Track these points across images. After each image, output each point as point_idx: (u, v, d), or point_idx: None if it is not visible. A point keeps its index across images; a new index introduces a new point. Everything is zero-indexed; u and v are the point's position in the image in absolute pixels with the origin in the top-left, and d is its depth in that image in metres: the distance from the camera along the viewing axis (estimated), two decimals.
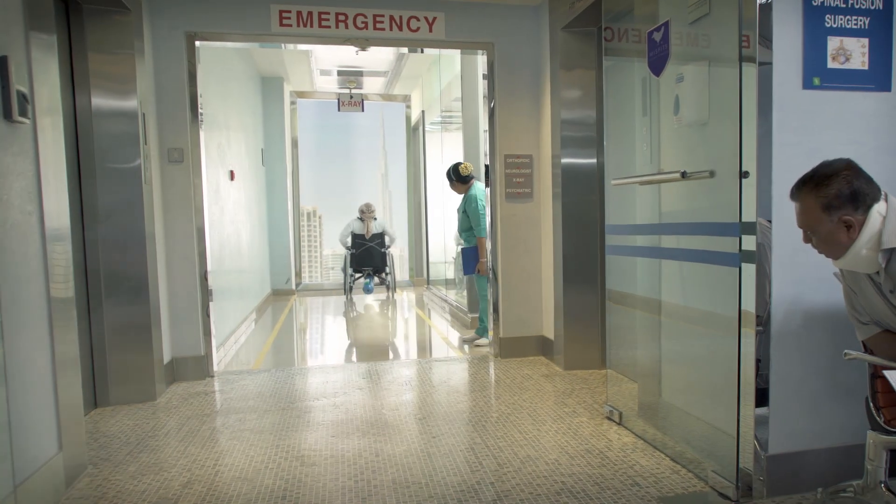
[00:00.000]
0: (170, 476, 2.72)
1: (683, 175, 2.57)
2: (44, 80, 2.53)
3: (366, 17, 4.42)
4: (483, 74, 4.88)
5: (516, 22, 4.69)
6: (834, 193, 1.86)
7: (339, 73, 9.01)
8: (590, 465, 2.75)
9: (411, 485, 2.58)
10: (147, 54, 3.99)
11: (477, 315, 5.62)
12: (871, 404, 2.03)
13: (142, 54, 3.86)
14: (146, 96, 3.91)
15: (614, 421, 3.29)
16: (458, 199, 5.66)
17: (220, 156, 5.71)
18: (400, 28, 4.49)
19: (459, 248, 5.96)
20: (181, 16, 4.20)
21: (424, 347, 5.92)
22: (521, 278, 4.86)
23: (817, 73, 2.34)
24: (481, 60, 4.88)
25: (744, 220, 2.30)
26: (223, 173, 5.77)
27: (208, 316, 4.40)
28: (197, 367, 4.34)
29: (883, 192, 1.90)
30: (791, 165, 2.22)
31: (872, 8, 2.34)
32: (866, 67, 2.36)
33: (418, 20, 4.50)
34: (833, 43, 2.33)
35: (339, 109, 9.59)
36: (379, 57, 8.01)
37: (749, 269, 2.29)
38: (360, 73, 9.03)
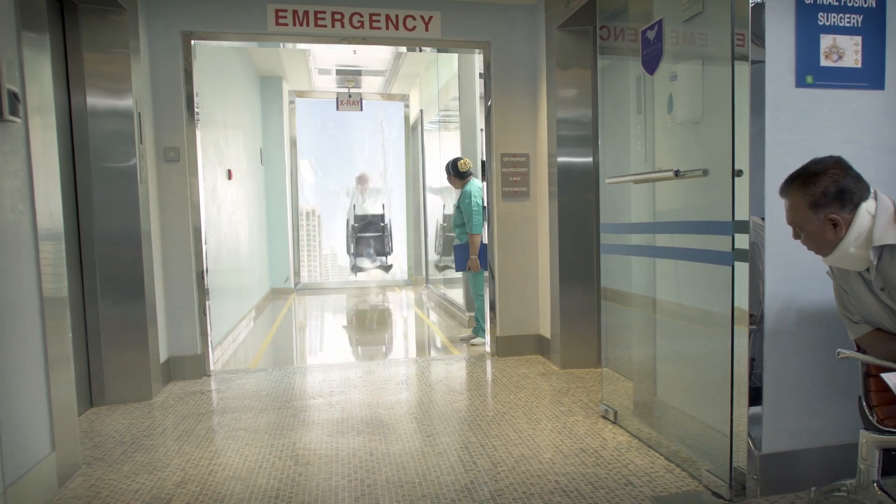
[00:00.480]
0: (164, 475, 2.72)
1: (677, 174, 2.56)
2: (36, 79, 2.52)
3: (362, 16, 4.42)
4: (480, 73, 4.88)
5: (512, 21, 4.68)
6: (820, 191, 1.86)
7: (338, 72, 9.00)
8: (584, 464, 2.75)
9: (405, 484, 2.58)
10: (143, 53, 3.99)
11: (474, 314, 5.62)
12: (864, 403, 2.02)
13: (137, 53, 3.85)
14: (142, 95, 3.91)
15: (609, 420, 3.28)
16: (456, 197, 5.66)
17: (218, 155, 5.70)
18: (396, 27, 4.48)
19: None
20: (177, 15, 4.20)
21: (422, 346, 5.92)
22: (518, 277, 4.85)
23: (810, 72, 2.33)
24: (478, 59, 4.87)
25: (737, 218, 2.30)
26: (221, 172, 5.77)
27: (205, 315, 4.40)
28: (193, 366, 4.34)
29: (872, 191, 1.89)
30: (784, 164, 2.21)
31: (865, 6, 2.33)
32: (859, 65, 2.35)
33: (414, 19, 4.50)
34: (826, 41, 2.33)
35: (337, 109, 9.58)
36: (377, 56, 8.00)
37: (742, 268, 2.29)
38: (359, 73, 9.03)
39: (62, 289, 2.71)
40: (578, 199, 4.39)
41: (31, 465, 2.40)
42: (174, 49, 4.21)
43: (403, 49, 6.53)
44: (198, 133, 4.37)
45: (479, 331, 5.41)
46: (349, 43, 4.53)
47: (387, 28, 4.47)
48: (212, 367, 4.48)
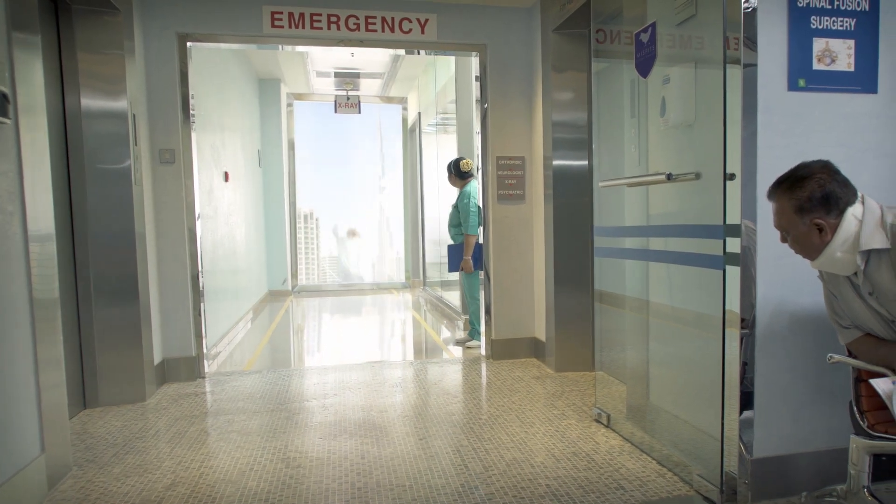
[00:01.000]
0: (154, 478, 2.71)
1: (669, 177, 2.56)
2: (26, 79, 2.52)
3: (358, 18, 4.42)
4: (476, 76, 4.87)
5: (508, 24, 4.68)
6: (806, 196, 1.85)
7: (336, 74, 9.00)
8: (576, 468, 2.74)
9: (395, 487, 2.57)
10: (137, 55, 3.99)
11: (469, 317, 5.61)
12: (855, 408, 2.01)
13: (132, 55, 3.85)
14: (136, 97, 3.91)
15: (602, 423, 3.27)
16: (454, 197, 5.65)
17: (215, 157, 5.70)
18: (392, 30, 4.48)
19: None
20: (172, 16, 4.19)
21: (418, 349, 5.91)
22: (514, 280, 4.84)
23: (803, 75, 2.32)
24: (474, 62, 4.87)
25: (728, 222, 2.29)
26: (217, 174, 5.76)
27: (200, 316, 4.39)
28: (188, 367, 4.33)
29: (859, 195, 1.89)
30: (776, 167, 2.20)
31: (858, 9, 2.33)
32: (852, 69, 2.35)
33: (410, 22, 4.50)
34: (819, 44, 2.32)
35: (335, 111, 9.58)
36: (375, 59, 8.00)
37: (734, 272, 2.28)
38: (357, 75, 9.02)
39: (53, 290, 2.70)
40: (574, 202, 4.38)
41: (20, 468, 2.39)
42: (169, 51, 4.20)
43: (400, 52, 6.53)
44: (193, 135, 4.37)
45: (474, 333, 5.40)
46: (345, 45, 4.53)
47: (383, 30, 4.47)
48: (207, 369, 4.47)
